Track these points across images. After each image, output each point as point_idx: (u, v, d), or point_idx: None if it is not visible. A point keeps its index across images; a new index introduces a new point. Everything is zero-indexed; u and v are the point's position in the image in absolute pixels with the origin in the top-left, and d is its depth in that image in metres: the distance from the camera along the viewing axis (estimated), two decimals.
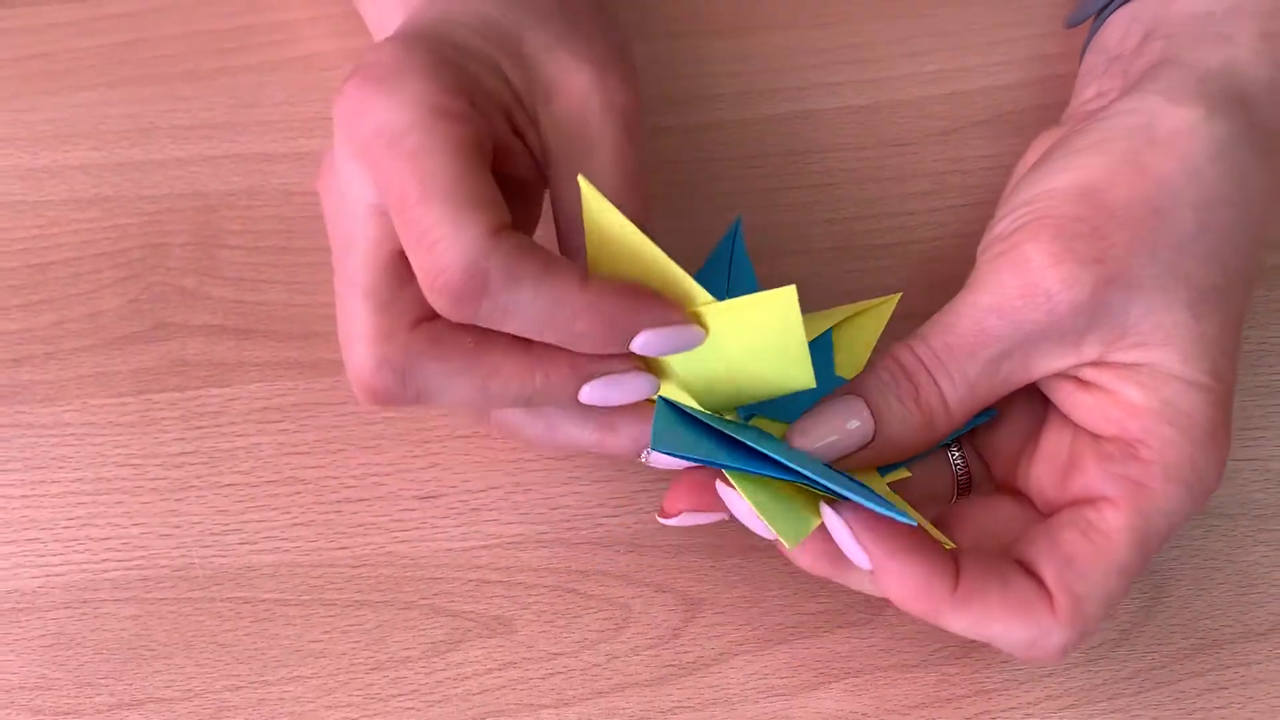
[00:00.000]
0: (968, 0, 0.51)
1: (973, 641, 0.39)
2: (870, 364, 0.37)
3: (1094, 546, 0.34)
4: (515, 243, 0.33)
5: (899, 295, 0.41)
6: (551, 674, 0.38)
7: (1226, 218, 0.35)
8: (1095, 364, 0.35)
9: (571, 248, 0.37)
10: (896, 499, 0.36)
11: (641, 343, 0.34)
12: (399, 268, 0.35)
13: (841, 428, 0.35)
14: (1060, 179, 0.36)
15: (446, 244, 0.32)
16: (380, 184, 0.34)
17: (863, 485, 0.34)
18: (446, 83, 0.34)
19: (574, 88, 0.36)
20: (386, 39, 0.36)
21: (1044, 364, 0.36)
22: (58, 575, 0.39)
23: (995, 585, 0.34)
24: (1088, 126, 0.37)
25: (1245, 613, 0.39)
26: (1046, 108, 0.48)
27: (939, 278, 0.43)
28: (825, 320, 0.40)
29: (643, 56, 0.48)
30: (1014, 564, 0.34)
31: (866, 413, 0.35)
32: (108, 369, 0.43)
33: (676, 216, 0.45)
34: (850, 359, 0.40)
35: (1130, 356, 0.35)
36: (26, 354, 0.43)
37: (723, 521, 0.40)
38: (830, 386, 0.36)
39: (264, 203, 0.46)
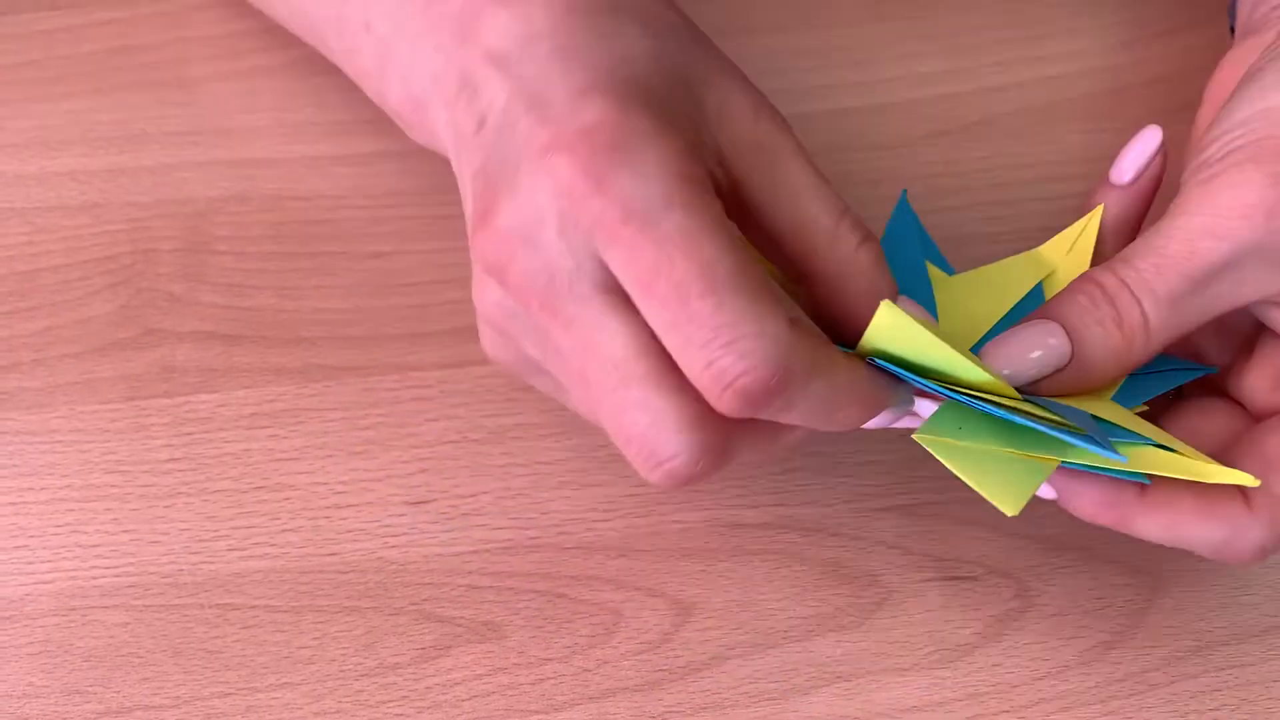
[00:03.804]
0: (959, 3, 0.50)
1: (965, 645, 0.38)
2: (1069, 286, 0.35)
3: None
4: (811, 333, 0.32)
5: (1100, 208, 0.39)
6: (541, 679, 0.38)
7: None
8: None
9: (798, 258, 0.35)
10: (1138, 422, 0.35)
11: (872, 424, 0.34)
12: (667, 353, 0.32)
13: (1031, 353, 0.34)
14: (1271, 98, 0.35)
15: (750, 342, 0.30)
16: (635, 273, 0.31)
17: (1094, 420, 0.33)
18: (682, 144, 0.32)
19: (743, 107, 0.34)
20: (578, 91, 0.32)
21: (1256, 288, 0.35)
22: (45, 583, 0.39)
23: (1185, 485, 0.34)
24: None
25: (1239, 614, 0.39)
26: (1040, 110, 0.48)
27: None
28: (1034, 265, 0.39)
29: None
30: None
31: (1062, 335, 0.34)
32: (96, 375, 0.43)
33: None
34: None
35: None
36: (14, 361, 0.43)
37: (714, 524, 0.40)
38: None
39: (253, 208, 0.46)
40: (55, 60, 0.48)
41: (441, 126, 0.36)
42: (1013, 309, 0.38)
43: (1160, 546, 0.40)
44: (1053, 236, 0.40)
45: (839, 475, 0.41)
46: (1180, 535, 0.34)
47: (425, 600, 0.39)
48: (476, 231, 0.33)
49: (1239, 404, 0.38)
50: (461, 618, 0.39)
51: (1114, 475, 0.34)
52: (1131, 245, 0.35)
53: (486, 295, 0.34)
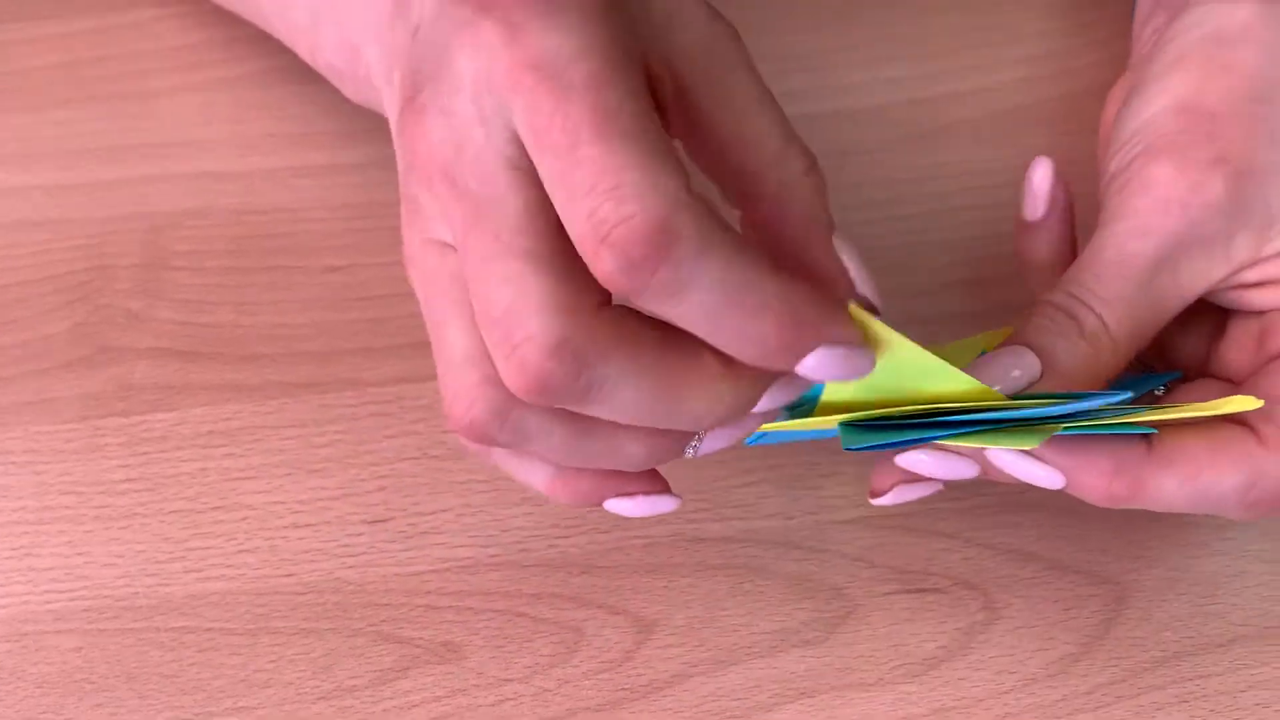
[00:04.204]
0: (926, 6, 0.50)
1: (931, 659, 0.38)
2: (1025, 314, 0.36)
3: None
4: (709, 206, 0.29)
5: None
6: (501, 700, 0.37)
7: None
8: (1253, 264, 0.36)
9: (740, 176, 0.32)
10: (1127, 412, 0.34)
11: (812, 364, 0.29)
12: (565, 236, 0.29)
13: (1006, 375, 0.34)
14: (1154, 105, 0.37)
15: (632, 189, 0.27)
16: (534, 122, 0.29)
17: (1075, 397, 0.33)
18: (618, 19, 0.30)
19: (697, 17, 0.32)
20: None
21: (1198, 275, 0.36)
22: None
23: (1191, 433, 0.34)
24: (1157, 53, 0.39)
25: (1205, 624, 0.39)
26: (1005, 114, 0.48)
27: (902, 286, 0.43)
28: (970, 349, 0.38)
29: None
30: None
31: (1031, 356, 0.34)
32: (52, 395, 0.42)
33: None
34: None
35: None
36: None
37: (677, 539, 0.40)
38: None
39: (212, 223, 0.45)
40: (9, 74, 0.48)
41: (375, 65, 0.36)
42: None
43: (1126, 555, 0.40)
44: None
45: (803, 487, 0.41)
46: (1202, 488, 0.34)
47: (383, 621, 0.38)
48: (400, 125, 0.32)
49: (1225, 379, 0.38)
50: (420, 639, 0.38)
51: (1117, 432, 0.34)
52: (1071, 268, 0.37)
53: (404, 193, 0.33)
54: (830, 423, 0.34)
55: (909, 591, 0.39)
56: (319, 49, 0.39)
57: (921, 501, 0.41)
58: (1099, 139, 0.42)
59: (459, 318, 0.31)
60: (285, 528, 0.40)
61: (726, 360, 0.30)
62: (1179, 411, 0.33)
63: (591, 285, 0.29)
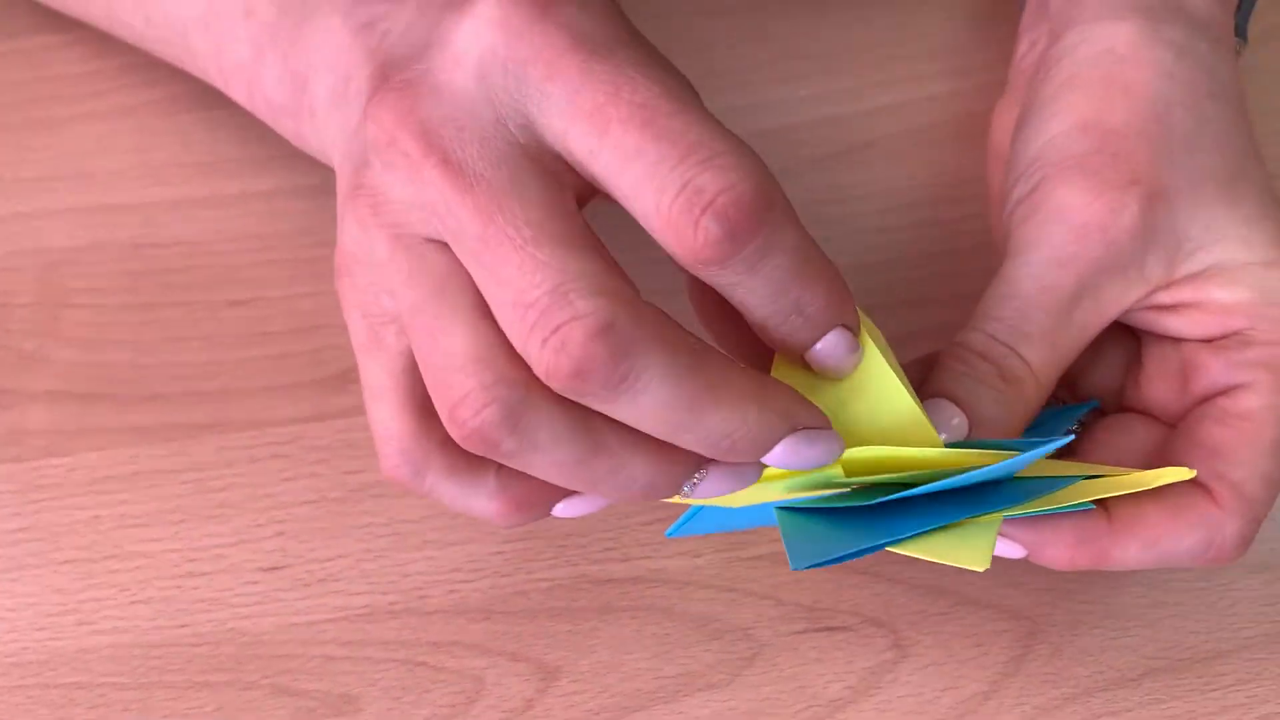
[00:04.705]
0: (841, 20, 0.49)
1: (837, 700, 0.37)
2: (940, 359, 0.35)
3: (1238, 431, 0.34)
4: None
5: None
6: None
7: (1213, 108, 0.37)
8: (1166, 286, 0.36)
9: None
10: (1058, 466, 0.35)
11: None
12: (588, 226, 0.29)
13: (941, 434, 0.33)
14: (1054, 126, 0.37)
15: (731, 157, 0.28)
16: (586, 100, 0.28)
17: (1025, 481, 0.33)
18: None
19: None
20: None
21: (1115, 301, 0.35)
22: None
23: (1149, 501, 0.34)
24: (1048, 74, 0.38)
25: (1117, 658, 0.38)
26: (922, 130, 0.47)
27: None
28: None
29: None
30: None
31: (953, 408, 0.34)
32: None
33: None
34: None
35: (1196, 264, 0.35)
36: None
37: (581, 580, 0.39)
38: None
39: (110, 257, 0.44)
40: None
41: (322, 100, 0.35)
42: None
43: (1038, 589, 0.39)
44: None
45: None
46: (1162, 552, 0.34)
47: (279, 673, 0.37)
48: (367, 111, 0.30)
49: (1149, 414, 0.37)
50: (316, 690, 0.37)
51: (1065, 511, 0.33)
52: (983, 302, 0.36)
53: (363, 182, 0.31)
54: (765, 499, 0.33)
55: (817, 630, 0.38)
56: (259, 84, 0.37)
57: None
58: (986, 162, 0.41)
59: (463, 316, 0.30)
60: (180, 577, 0.39)
61: (760, 384, 0.30)
62: (1118, 484, 0.33)
63: (627, 278, 0.29)
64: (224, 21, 0.38)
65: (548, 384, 0.28)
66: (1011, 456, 0.32)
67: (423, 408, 0.32)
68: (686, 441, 0.29)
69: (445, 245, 0.30)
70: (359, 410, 0.42)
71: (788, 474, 0.32)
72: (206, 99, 0.46)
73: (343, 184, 0.33)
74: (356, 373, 0.42)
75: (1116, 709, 0.37)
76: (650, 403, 0.28)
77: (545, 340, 0.28)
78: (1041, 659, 0.38)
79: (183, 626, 0.38)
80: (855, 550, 0.32)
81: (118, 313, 0.43)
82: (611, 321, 0.28)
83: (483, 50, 0.29)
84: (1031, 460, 0.32)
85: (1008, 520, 0.34)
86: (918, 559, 0.32)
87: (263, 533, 0.39)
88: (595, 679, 0.38)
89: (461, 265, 0.30)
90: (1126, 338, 0.38)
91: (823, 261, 0.30)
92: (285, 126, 0.38)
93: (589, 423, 0.29)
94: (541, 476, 0.30)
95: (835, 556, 0.32)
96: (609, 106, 0.28)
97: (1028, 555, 0.34)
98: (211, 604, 0.38)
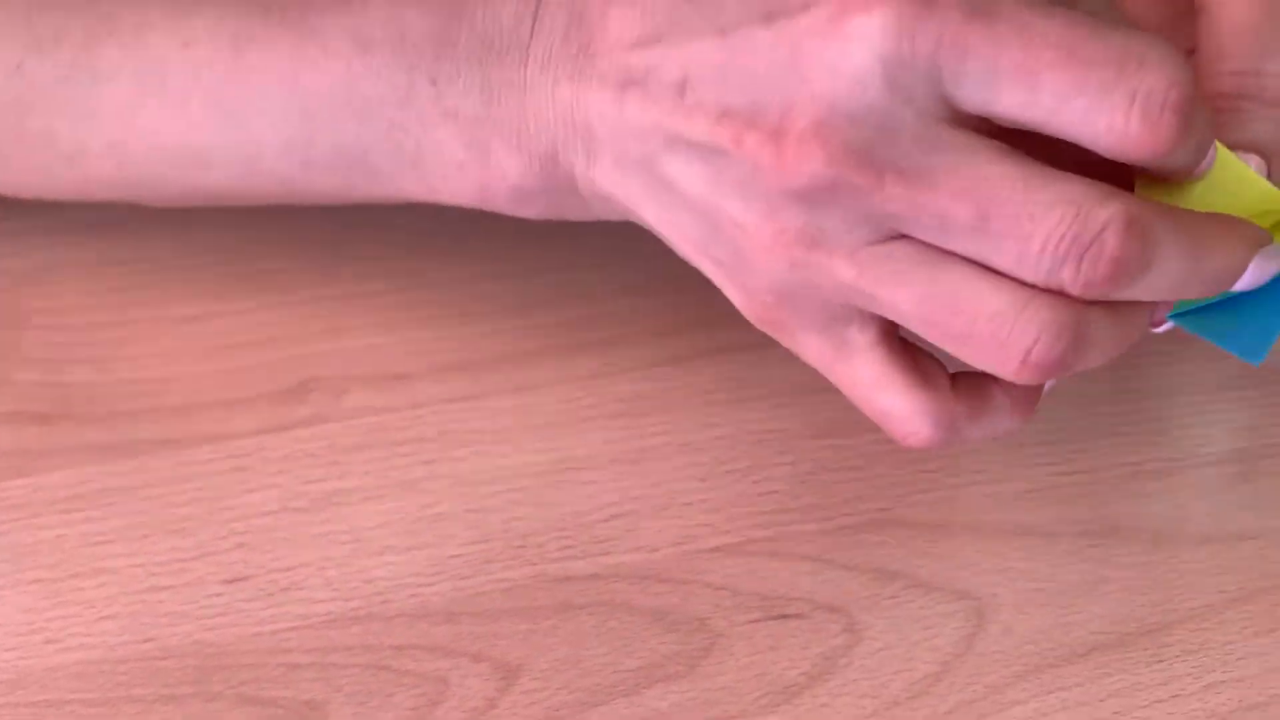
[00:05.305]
0: None
1: (793, 687, 0.38)
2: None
3: None
4: None
5: None
6: None
7: None
8: None
9: None
10: None
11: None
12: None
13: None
14: None
15: (1158, 60, 0.30)
16: (1011, 63, 0.30)
17: None
18: None
19: None
20: None
21: None
22: None
23: None
24: None
25: (1067, 634, 0.39)
26: None
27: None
28: None
29: None
30: None
31: (1246, 156, 0.34)
32: None
33: None
34: None
35: None
36: None
37: (540, 579, 0.40)
38: None
39: (69, 276, 0.45)
40: None
41: (583, 157, 0.36)
42: None
43: (989, 569, 0.40)
44: None
45: (667, 517, 0.41)
46: None
47: (244, 683, 0.38)
48: (772, 159, 0.32)
49: None
50: (282, 698, 0.38)
51: None
52: (1201, 55, 0.35)
53: (786, 226, 0.33)
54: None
55: (772, 618, 0.39)
56: (492, 177, 0.37)
57: (785, 524, 0.41)
58: None
59: (974, 279, 0.32)
60: (144, 591, 0.39)
61: (1224, 221, 0.33)
62: None
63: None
64: (414, 129, 0.37)
65: (1083, 296, 0.32)
66: None
67: (922, 376, 0.35)
68: (1188, 292, 0.33)
69: (903, 237, 0.33)
70: (318, 419, 0.42)
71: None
72: None
73: (726, 244, 0.35)
74: (314, 382, 0.43)
75: (1066, 684, 0.38)
76: (1168, 270, 0.32)
77: (1082, 254, 0.31)
78: (992, 638, 0.39)
79: (148, 641, 0.39)
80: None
81: (77, 332, 0.44)
82: (1134, 214, 0.31)
83: (884, 62, 0.31)
84: None
85: None
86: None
87: (224, 545, 0.40)
88: (556, 676, 0.38)
89: (934, 247, 0.33)
90: None
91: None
92: (534, 206, 0.38)
93: (1088, 311, 0.33)
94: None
95: (1277, 325, 0.34)
96: (1029, 61, 0.30)
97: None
98: (176, 617, 0.39)
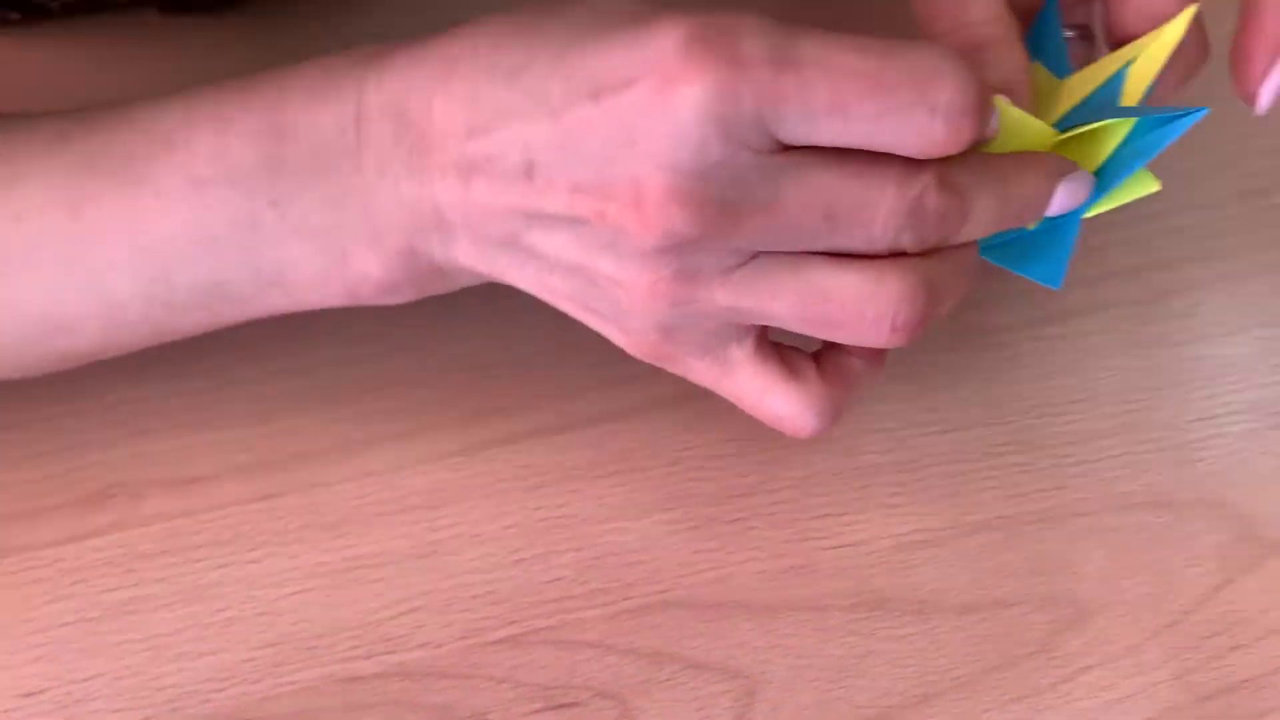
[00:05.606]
0: None
1: None
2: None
3: None
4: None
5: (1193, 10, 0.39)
6: None
7: None
8: None
9: None
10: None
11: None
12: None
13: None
14: None
15: (951, 64, 0.34)
16: (821, 104, 0.33)
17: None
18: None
19: None
20: (602, 50, 0.34)
21: None
22: None
23: None
24: None
25: (833, 709, 0.40)
26: None
27: None
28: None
29: None
30: None
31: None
32: None
33: None
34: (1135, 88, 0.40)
35: None
36: None
37: (328, 680, 0.41)
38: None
39: None
40: None
41: (440, 244, 0.37)
42: (1091, 94, 0.40)
43: (759, 646, 0.41)
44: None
45: (454, 612, 0.42)
46: None
47: None
48: (636, 225, 0.35)
49: None
50: None
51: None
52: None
53: (661, 275, 0.36)
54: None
55: (551, 709, 0.41)
56: (358, 278, 0.39)
57: (569, 611, 0.43)
58: None
59: (834, 270, 0.36)
60: None
61: (1026, 157, 0.38)
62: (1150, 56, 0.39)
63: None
64: (269, 250, 0.38)
65: (921, 249, 0.36)
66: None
67: (793, 371, 0.39)
68: (1006, 224, 0.37)
69: (759, 254, 0.36)
70: (114, 527, 0.44)
71: None
72: None
73: (601, 306, 0.38)
74: (116, 488, 0.44)
75: None
76: (984, 210, 0.36)
77: (912, 223, 0.35)
78: (761, 715, 0.41)
79: None
80: (1072, 236, 0.38)
81: None
82: (942, 174, 0.35)
83: (715, 122, 0.33)
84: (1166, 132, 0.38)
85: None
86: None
87: (22, 657, 0.41)
88: None
89: (794, 253, 0.36)
90: None
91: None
92: (403, 293, 0.40)
93: (931, 268, 0.37)
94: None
95: (1067, 251, 0.38)
96: (837, 99, 0.33)
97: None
98: None
